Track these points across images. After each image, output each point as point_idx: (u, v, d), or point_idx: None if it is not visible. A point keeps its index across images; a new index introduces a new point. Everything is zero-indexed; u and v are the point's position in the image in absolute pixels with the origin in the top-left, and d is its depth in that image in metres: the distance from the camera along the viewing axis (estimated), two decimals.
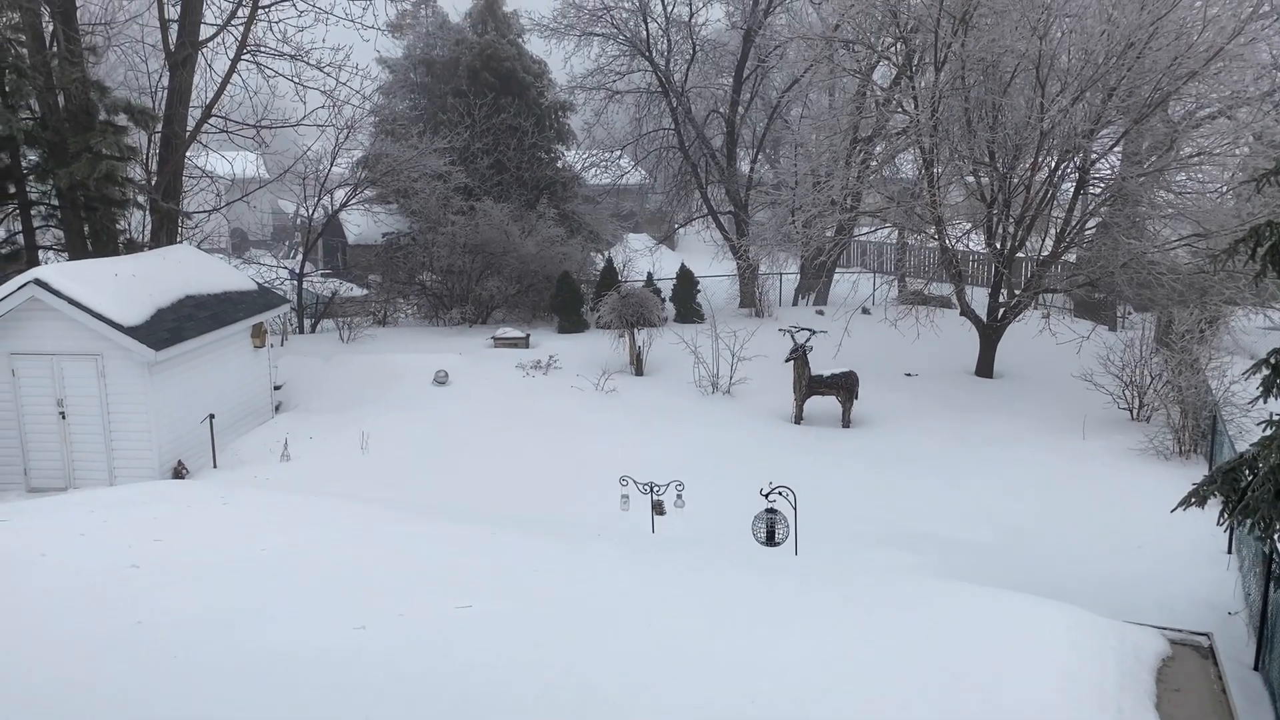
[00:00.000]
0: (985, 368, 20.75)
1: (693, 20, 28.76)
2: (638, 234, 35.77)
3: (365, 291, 27.74)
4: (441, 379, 19.12)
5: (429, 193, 26.04)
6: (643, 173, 33.86)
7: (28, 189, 18.63)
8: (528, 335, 22.82)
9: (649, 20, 28.12)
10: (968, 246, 23.29)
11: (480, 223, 25.41)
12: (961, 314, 20.80)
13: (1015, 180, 19.18)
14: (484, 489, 14.24)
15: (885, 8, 19.25)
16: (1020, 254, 20.68)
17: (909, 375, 20.71)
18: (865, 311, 23.62)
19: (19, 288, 13.82)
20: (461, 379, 19.29)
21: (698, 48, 29.02)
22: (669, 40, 28.66)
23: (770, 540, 10.59)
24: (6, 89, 17.83)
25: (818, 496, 12.63)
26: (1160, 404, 17.20)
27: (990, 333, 20.63)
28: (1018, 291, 20.55)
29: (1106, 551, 12.12)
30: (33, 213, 18.88)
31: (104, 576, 6.59)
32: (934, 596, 7.91)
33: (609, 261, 26.51)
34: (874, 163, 21.35)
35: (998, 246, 19.85)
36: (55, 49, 18.54)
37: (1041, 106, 17.89)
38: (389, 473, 14.78)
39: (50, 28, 18.67)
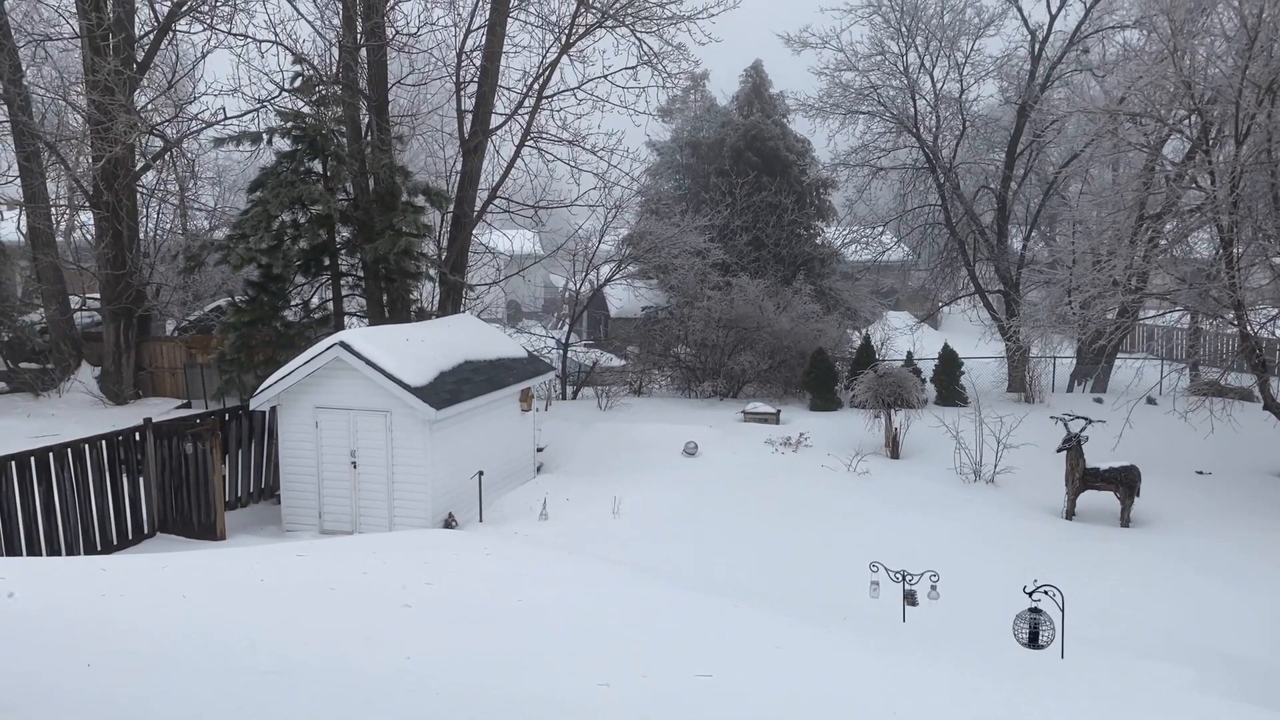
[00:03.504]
0: None
1: (963, 96, 28.18)
2: (898, 312, 34.99)
3: (623, 362, 28.81)
4: (691, 450, 19.40)
5: (687, 268, 26.84)
6: (905, 249, 33.20)
7: (339, 262, 20.92)
8: (778, 411, 22.75)
9: (917, 97, 27.86)
10: (1274, 334, 20.96)
11: (735, 298, 25.82)
12: (1265, 408, 18.66)
13: None
14: (729, 561, 14.21)
15: (1178, 79, 17.98)
16: None
17: (1200, 474, 18.77)
18: (1151, 401, 21.75)
19: (327, 348, 15.46)
20: (711, 451, 19.48)
21: (968, 123, 28.34)
22: (937, 116, 28.20)
23: (1034, 642, 9.83)
24: (328, 174, 20.23)
25: (1088, 599, 11.64)
26: None
27: None
28: None
29: None
30: (341, 282, 21.15)
31: (381, 613, 7.14)
32: None
33: (866, 339, 26.06)
34: (1163, 241, 19.79)
35: None
36: (369, 138, 20.89)
37: None
38: (638, 537, 15.09)
39: (366, 120, 21.09)
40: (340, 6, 20.76)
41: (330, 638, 6.51)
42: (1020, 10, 27.34)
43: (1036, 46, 26.98)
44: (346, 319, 21.67)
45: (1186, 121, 19.54)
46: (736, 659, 7.11)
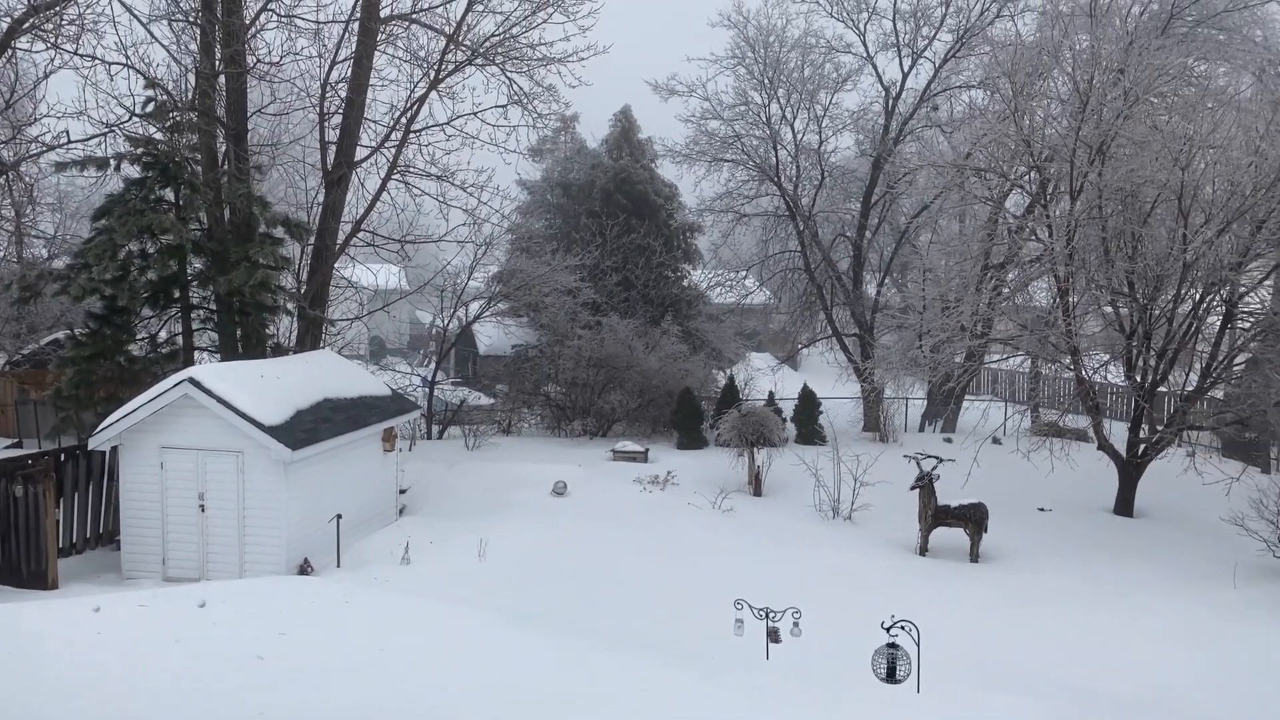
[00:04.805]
0: (1124, 506, 19.68)
1: (822, 148, 29.38)
2: (760, 353, 35.87)
3: (492, 401, 28.49)
4: (560, 490, 19.28)
5: (558, 307, 26.86)
6: (767, 293, 34.20)
7: (190, 294, 20.02)
8: (647, 450, 22.88)
9: (779, 148, 28.83)
10: (1105, 378, 22.42)
11: (606, 337, 25.96)
12: (1099, 448, 19.90)
13: (1156, 312, 18.51)
14: (596, 603, 14.11)
15: (1019, 137, 19.22)
16: (1163, 388, 19.79)
17: (1042, 510, 19.81)
18: (996, 441, 22.88)
19: (175, 385, 14.69)
20: (580, 491, 19.40)
21: (826, 174, 29.51)
22: (798, 166, 29.26)
23: (891, 677, 10.10)
24: (180, 202, 19.39)
25: (942, 633, 12.02)
26: None
27: (1130, 469, 19.64)
28: (1160, 427, 19.58)
29: (1264, 712, 11.09)
30: (192, 316, 20.23)
31: (231, 665, 6.77)
32: None
33: (730, 379, 26.57)
34: (1006, 290, 20.99)
35: (1138, 380, 19.06)
36: (226, 167, 20.16)
37: (1184, 238, 17.36)
38: (505, 581, 14.84)
39: (223, 148, 20.36)
40: (198, 32, 20.03)
41: (174, 694, 6.12)
42: (875, 68, 28.78)
43: (890, 102, 28.37)
44: (197, 354, 20.70)
45: (1027, 177, 20.88)
46: (602, 704, 7.04)
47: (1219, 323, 18.78)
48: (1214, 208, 17.34)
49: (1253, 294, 19.02)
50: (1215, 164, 17.56)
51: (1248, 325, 18.76)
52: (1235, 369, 19.13)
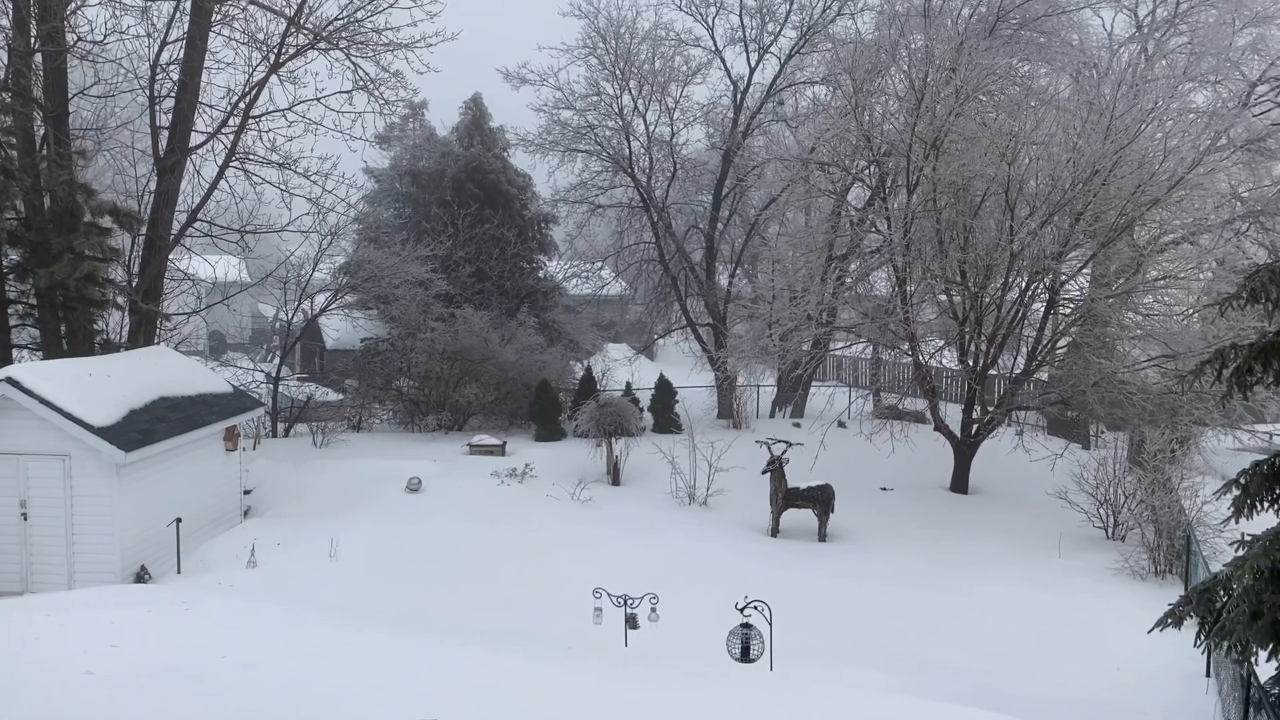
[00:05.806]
0: (960, 483, 20.77)
1: (674, 140, 29.67)
2: (617, 344, 36.03)
3: (341, 396, 27.62)
4: (415, 486, 18.92)
5: (409, 299, 26.23)
6: (623, 284, 34.39)
7: (6, 288, 18.66)
8: (504, 443, 22.70)
9: (631, 139, 28.99)
10: (941, 363, 23.57)
11: (460, 330, 25.53)
12: (936, 429, 20.92)
13: (987, 299, 19.58)
14: (455, 599, 13.94)
15: (859, 132, 19.95)
16: (993, 371, 20.95)
17: (885, 489, 20.69)
18: (841, 425, 23.73)
19: None
20: (435, 487, 19.08)
21: (679, 166, 29.85)
22: (651, 158, 29.49)
23: (745, 656, 10.38)
24: None
25: (793, 612, 12.44)
26: (1135, 523, 17.23)
27: (964, 448, 20.73)
28: (991, 408, 20.75)
29: (1084, 673, 11.96)
30: (9, 311, 18.87)
31: (57, 683, 6.36)
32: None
33: (588, 370, 26.60)
34: (849, 280, 21.79)
35: (970, 363, 20.13)
36: (45, 152, 18.84)
37: (1011, 229, 18.41)
38: (357, 581, 14.47)
39: (42, 131, 19.02)
40: (10, 7, 18.62)
41: None
42: (724, 62, 29.26)
43: (739, 96, 28.92)
44: (16, 352, 19.34)
45: (867, 171, 21.73)
46: (463, 702, 6.97)
47: (1043, 309, 20.02)
48: (1037, 201, 18.46)
49: (1072, 282, 20.36)
50: (1038, 159, 18.71)
51: (1069, 311, 20.06)
52: (1058, 352, 20.45)
